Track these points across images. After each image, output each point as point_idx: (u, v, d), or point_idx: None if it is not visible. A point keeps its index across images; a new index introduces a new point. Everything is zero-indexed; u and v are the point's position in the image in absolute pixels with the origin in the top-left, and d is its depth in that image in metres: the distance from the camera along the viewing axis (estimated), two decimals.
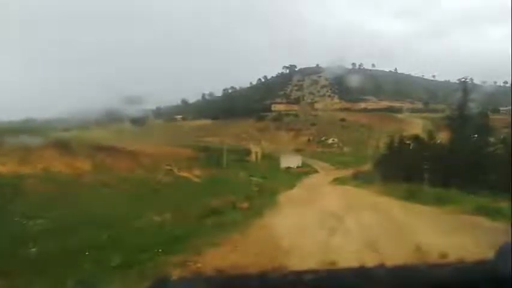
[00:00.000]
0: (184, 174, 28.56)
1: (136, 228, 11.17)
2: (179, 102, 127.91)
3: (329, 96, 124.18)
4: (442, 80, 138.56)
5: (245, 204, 14.50)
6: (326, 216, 10.60)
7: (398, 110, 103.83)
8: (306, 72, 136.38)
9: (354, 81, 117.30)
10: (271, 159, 58.51)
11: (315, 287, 0.82)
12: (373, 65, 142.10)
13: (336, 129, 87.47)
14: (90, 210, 13.09)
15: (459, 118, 26.36)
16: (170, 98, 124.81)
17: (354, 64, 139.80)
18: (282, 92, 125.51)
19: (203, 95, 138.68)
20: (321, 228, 8.04)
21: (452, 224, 9.46)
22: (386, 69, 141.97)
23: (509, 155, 20.71)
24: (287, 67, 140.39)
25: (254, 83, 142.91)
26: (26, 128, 45.09)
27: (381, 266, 0.86)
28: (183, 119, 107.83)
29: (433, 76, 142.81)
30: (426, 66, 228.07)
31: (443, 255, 0.95)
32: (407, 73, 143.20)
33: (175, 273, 5.77)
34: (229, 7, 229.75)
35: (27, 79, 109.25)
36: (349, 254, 5.52)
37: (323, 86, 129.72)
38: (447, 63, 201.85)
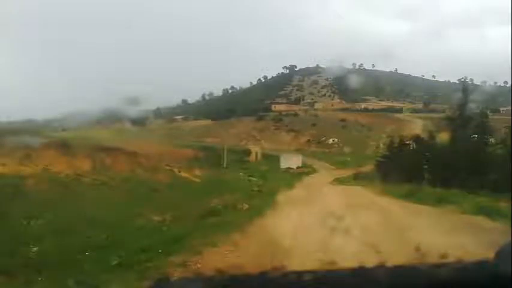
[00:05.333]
0: (184, 174, 28.55)
1: (136, 228, 11.18)
2: (179, 102, 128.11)
3: (329, 96, 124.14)
4: (442, 80, 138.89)
5: (245, 205, 14.48)
6: (326, 216, 10.58)
7: (398, 110, 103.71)
8: (306, 72, 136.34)
9: (354, 81, 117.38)
10: (271, 159, 58.46)
11: (315, 287, 0.82)
12: (373, 65, 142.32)
13: (336, 129, 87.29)
14: (90, 210, 13.07)
15: (459, 118, 26.36)
16: (170, 98, 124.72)
17: (354, 64, 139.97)
18: (282, 92, 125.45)
19: (203, 95, 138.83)
20: (321, 228, 8.03)
21: (453, 224, 9.46)
22: (387, 69, 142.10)
23: (509, 155, 20.71)
24: (287, 67, 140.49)
25: (254, 83, 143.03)
26: (26, 128, 45.13)
27: (381, 266, 0.86)
28: (184, 119, 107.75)
29: (433, 76, 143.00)
30: (426, 66, 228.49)
31: (444, 255, 0.95)
32: (407, 73, 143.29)
33: (175, 274, 5.78)
34: (229, 7, 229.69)
35: (28, 79, 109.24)
36: (349, 253, 5.52)
37: (323, 86, 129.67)
38: (447, 63, 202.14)
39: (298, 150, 71.36)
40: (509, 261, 0.81)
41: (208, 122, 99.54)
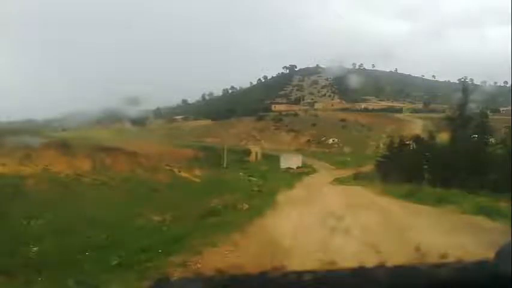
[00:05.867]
0: (184, 174, 28.54)
1: (136, 228, 11.17)
2: (179, 102, 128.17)
3: (329, 96, 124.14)
4: (442, 80, 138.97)
5: (245, 204, 14.48)
6: (326, 216, 10.58)
7: (398, 110, 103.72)
8: (306, 72, 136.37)
9: (354, 81, 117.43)
10: (271, 159, 58.45)
11: (315, 287, 0.82)
12: (373, 65, 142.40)
13: (336, 129, 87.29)
14: (90, 210, 13.07)
15: (459, 118, 26.35)
16: (170, 98, 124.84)
17: (354, 64, 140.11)
18: (282, 92, 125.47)
19: (203, 95, 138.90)
20: (321, 228, 8.04)
21: (453, 224, 9.46)
22: (387, 69, 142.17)
23: (509, 155, 20.70)
24: (287, 67, 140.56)
25: (254, 83, 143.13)
26: (26, 128, 45.12)
27: (381, 266, 0.86)
28: (184, 119, 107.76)
29: (433, 76, 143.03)
30: (426, 66, 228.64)
31: (444, 255, 0.95)
32: (407, 73, 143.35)
33: (175, 274, 5.77)
34: (229, 7, 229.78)
35: (28, 79, 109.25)
36: (349, 253, 5.52)
37: (323, 86, 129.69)
38: (447, 63, 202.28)
39: (298, 150, 71.36)
40: (509, 261, 0.81)
41: (208, 122, 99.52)
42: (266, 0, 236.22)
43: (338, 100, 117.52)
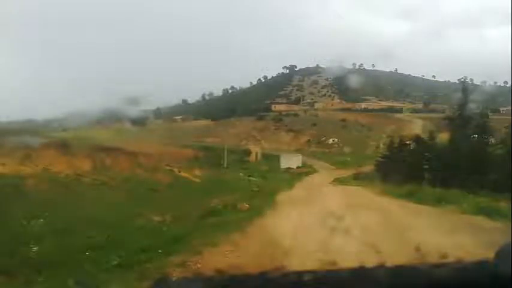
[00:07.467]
0: (184, 174, 28.55)
1: (136, 228, 11.17)
2: (179, 102, 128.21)
3: (329, 96, 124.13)
4: (442, 80, 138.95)
5: (245, 204, 14.48)
6: (326, 216, 10.58)
7: (399, 110, 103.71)
8: (306, 72, 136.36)
9: (354, 81, 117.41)
10: (271, 159, 58.47)
11: (315, 287, 0.81)
12: (373, 65, 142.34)
13: (336, 129, 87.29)
14: (90, 210, 13.08)
15: (459, 118, 26.39)
16: (170, 98, 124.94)
17: (354, 64, 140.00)
18: (282, 92, 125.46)
19: (203, 95, 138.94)
20: (321, 228, 8.04)
21: (453, 224, 9.46)
22: (387, 69, 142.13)
23: (509, 155, 20.71)
24: (287, 67, 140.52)
25: (254, 83, 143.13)
26: (26, 128, 45.15)
27: (381, 266, 0.86)
28: (183, 119, 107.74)
29: (433, 76, 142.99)
30: (426, 66, 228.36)
31: (443, 255, 0.95)
32: (407, 73, 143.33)
33: (175, 274, 5.77)
34: (229, 7, 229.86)
35: (28, 79, 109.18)
36: (349, 253, 5.52)
37: (323, 86, 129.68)
38: (447, 63, 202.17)
39: (298, 150, 71.35)
40: (509, 261, 0.81)
41: (208, 122, 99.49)
42: (266, 0, 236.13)
43: (338, 100, 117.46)
